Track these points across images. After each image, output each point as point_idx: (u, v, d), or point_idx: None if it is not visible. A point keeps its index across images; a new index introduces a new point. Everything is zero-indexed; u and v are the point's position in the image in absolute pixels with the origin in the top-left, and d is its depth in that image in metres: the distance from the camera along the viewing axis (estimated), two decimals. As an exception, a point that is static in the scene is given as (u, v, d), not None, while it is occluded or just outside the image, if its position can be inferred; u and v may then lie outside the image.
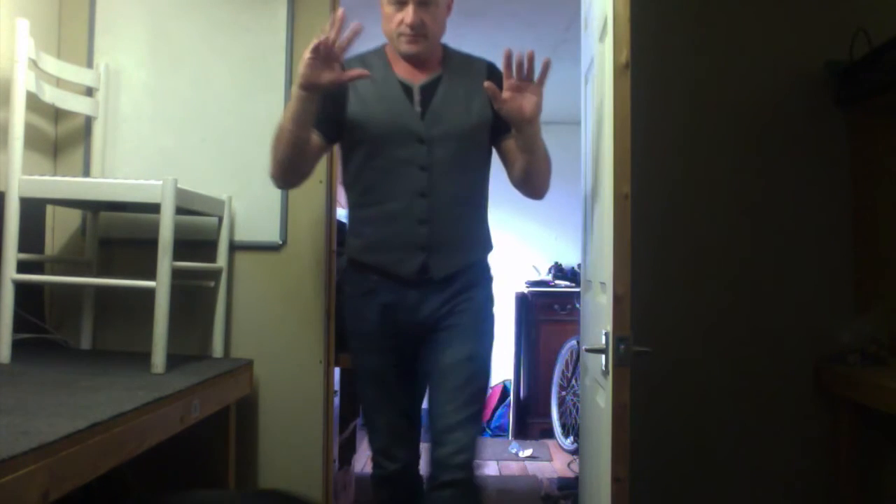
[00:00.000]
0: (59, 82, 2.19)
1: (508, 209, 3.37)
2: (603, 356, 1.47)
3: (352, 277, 1.71)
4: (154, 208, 1.80)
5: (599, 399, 1.64)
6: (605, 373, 1.46)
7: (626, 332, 1.37)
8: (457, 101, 1.62)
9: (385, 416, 1.70)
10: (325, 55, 1.41)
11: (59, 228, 2.30)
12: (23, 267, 1.87)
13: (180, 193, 1.81)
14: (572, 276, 4.60)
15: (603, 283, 1.58)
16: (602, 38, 1.64)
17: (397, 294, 1.62)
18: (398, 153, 1.58)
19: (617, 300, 1.38)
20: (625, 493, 1.35)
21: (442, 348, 1.62)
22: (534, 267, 4.88)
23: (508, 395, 4.58)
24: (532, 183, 1.67)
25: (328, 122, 1.59)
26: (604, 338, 1.45)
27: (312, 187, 2.22)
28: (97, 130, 2.25)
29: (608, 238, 1.44)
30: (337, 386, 2.54)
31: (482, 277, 1.71)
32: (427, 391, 1.70)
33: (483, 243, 1.72)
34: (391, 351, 1.67)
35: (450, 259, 1.62)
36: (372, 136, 1.59)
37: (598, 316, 1.65)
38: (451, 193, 1.61)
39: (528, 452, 4.05)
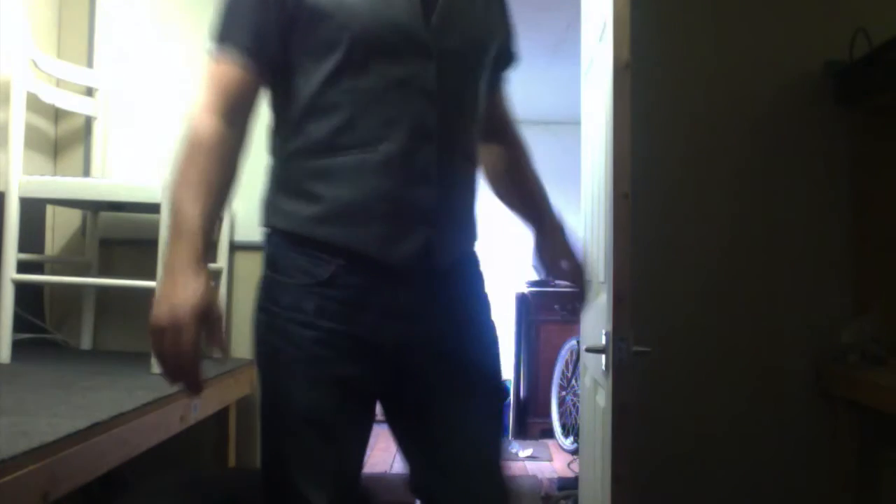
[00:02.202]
0: (59, 82, 2.19)
1: (508, 209, 3.37)
2: (603, 356, 1.47)
3: (287, 263, 1.05)
4: (154, 208, 1.80)
5: (599, 399, 1.64)
6: (606, 372, 1.46)
7: (626, 331, 1.37)
8: (472, 4, 1.11)
9: (323, 487, 1.02)
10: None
11: (59, 228, 2.30)
12: (23, 267, 1.87)
13: (180, 193, 1.81)
14: (572, 276, 4.60)
15: (603, 283, 1.58)
16: (601, 37, 1.64)
17: (376, 292, 1.02)
18: (392, 70, 1.01)
19: (617, 300, 1.38)
20: (625, 492, 1.35)
21: (457, 417, 1.08)
22: (534, 267, 4.87)
23: (508, 395, 4.58)
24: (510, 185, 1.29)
25: (273, 37, 1.03)
26: (604, 337, 1.45)
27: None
28: (97, 130, 2.25)
29: (608, 238, 1.44)
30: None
31: (481, 273, 1.18)
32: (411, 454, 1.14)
33: (477, 224, 1.17)
34: (347, 383, 1.03)
35: (457, 240, 1.10)
36: (350, 38, 0.99)
37: (599, 316, 1.65)
38: (465, 141, 1.10)
39: (528, 452, 4.04)
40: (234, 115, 1.05)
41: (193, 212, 0.94)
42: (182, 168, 0.99)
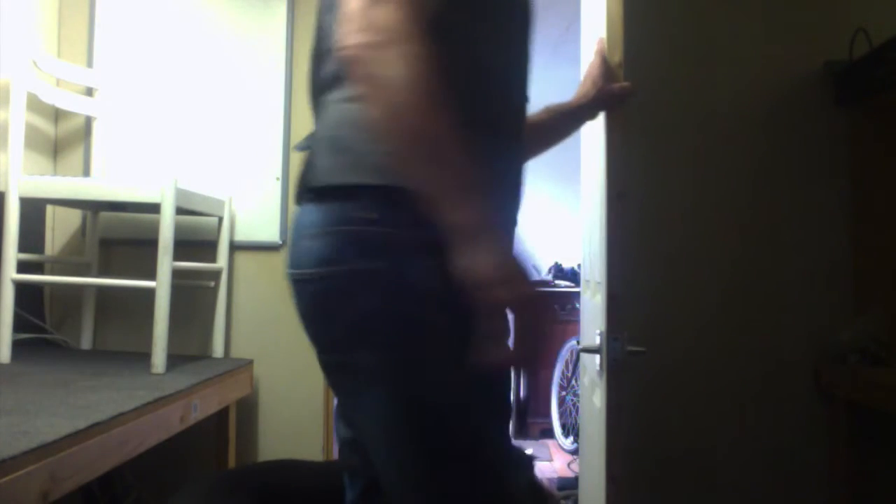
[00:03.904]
0: (59, 82, 2.20)
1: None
2: (598, 356, 1.47)
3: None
4: (154, 208, 1.80)
5: (596, 399, 1.64)
6: (600, 372, 1.46)
7: (620, 331, 1.37)
8: None
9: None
10: None
11: (59, 228, 2.30)
12: (23, 267, 1.87)
13: (180, 193, 1.81)
14: (572, 276, 4.60)
15: (599, 283, 1.59)
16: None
17: None
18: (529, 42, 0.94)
19: (611, 299, 1.38)
20: (621, 493, 1.35)
21: None
22: (534, 267, 4.88)
23: (509, 395, 4.59)
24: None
25: None
26: (598, 337, 1.46)
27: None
28: (97, 130, 2.25)
29: (603, 237, 1.44)
30: (337, 386, 2.54)
31: None
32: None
33: None
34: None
35: None
36: None
37: (595, 316, 1.65)
38: None
39: (528, 452, 4.05)
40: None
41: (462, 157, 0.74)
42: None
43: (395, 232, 0.80)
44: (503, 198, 0.88)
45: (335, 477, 1.54)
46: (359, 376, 0.82)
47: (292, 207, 2.45)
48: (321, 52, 0.91)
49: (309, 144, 0.92)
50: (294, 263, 0.88)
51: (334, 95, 0.87)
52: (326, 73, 0.89)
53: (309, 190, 0.87)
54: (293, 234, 0.89)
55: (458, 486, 0.79)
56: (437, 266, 0.75)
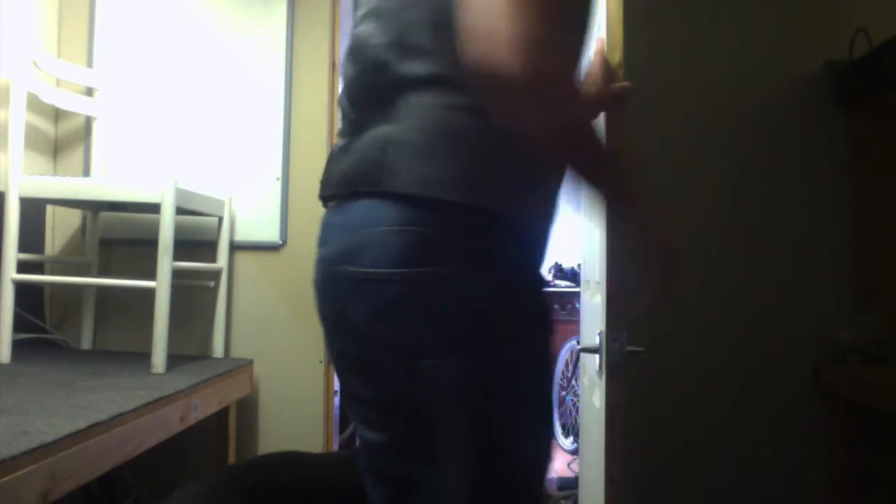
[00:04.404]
0: (59, 82, 2.20)
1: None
2: (597, 356, 1.47)
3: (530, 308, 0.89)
4: (154, 208, 1.80)
5: (595, 399, 1.64)
6: (599, 372, 1.46)
7: (620, 331, 1.37)
8: None
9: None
10: None
11: (59, 228, 2.30)
12: (23, 267, 1.87)
13: (180, 193, 1.81)
14: (572, 276, 4.60)
15: (598, 283, 1.59)
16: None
17: None
18: None
19: (610, 299, 1.38)
20: (620, 493, 1.35)
21: None
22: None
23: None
24: None
25: None
26: (598, 337, 1.46)
27: (312, 187, 2.22)
28: (97, 130, 2.25)
29: (602, 237, 1.44)
30: (337, 386, 2.54)
31: None
32: None
33: None
34: None
35: None
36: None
37: (595, 316, 1.65)
38: None
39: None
40: None
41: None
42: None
43: (479, 246, 0.82)
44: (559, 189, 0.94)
45: (337, 469, 1.54)
46: (429, 383, 0.81)
47: (293, 207, 2.46)
48: (402, 46, 0.86)
49: (368, 141, 0.87)
50: (362, 262, 0.83)
51: (427, 98, 0.84)
52: (414, 70, 0.85)
53: (381, 193, 0.83)
54: (349, 231, 0.85)
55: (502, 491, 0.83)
56: (511, 282, 0.82)
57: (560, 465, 3.81)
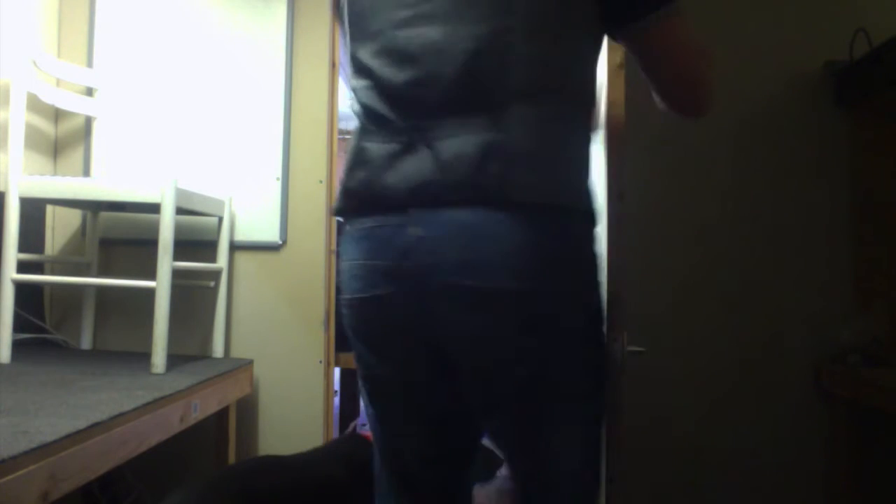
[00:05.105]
0: (59, 82, 2.20)
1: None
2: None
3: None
4: (154, 208, 1.80)
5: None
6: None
7: (620, 331, 1.37)
8: None
9: None
10: None
11: (59, 228, 2.30)
12: (23, 267, 1.87)
13: (180, 193, 1.81)
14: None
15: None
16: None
17: None
18: None
19: (611, 299, 1.38)
20: (619, 493, 1.35)
21: None
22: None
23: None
24: None
25: None
26: (600, 337, 1.45)
27: (312, 187, 2.23)
28: (97, 130, 2.25)
29: (603, 237, 1.44)
30: (337, 386, 2.54)
31: None
32: None
33: None
34: None
35: None
36: None
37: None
38: None
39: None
40: None
41: None
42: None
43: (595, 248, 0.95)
44: None
45: (313, 468, 1.54)
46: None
47: (293, 207, 2.45)
48: (499, 54, 0.86)
49: (480, 150, 0.85)
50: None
51: (531, 110, 0.87)
52: (525, 79, 0.86)
53: (508, 202, 0.84)
54: (493, 248, 0.84)
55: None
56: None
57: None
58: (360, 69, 0.96)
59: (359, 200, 0.93)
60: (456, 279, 0.84)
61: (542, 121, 0.88)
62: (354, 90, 0.99)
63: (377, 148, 0.91)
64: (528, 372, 0.87)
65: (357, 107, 0.98)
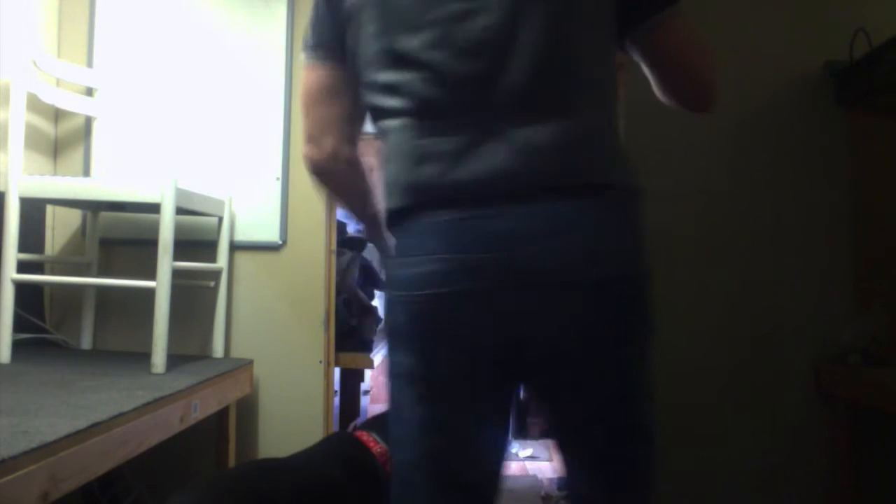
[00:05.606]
0: (59, 82, 2.20)
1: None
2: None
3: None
4: (154, 208, 1.80)
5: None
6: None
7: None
8: None
9: None
10: None
11: (59, 228, 2.30)
12: (23, 267, 1.87)
13: (180, 193, 1.81)
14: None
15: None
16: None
17: None
18: None
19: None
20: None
21: None
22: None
23: (508, 395, 4.57)
24: None
25: None
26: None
27: (312, 187, 2.22)
28: (97, 130, 2.25)
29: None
30: (337, 386, 2.54)
31: None
32: None
33: None
34: None
35: None
36: None
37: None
38: None
39: (528, 452, 4.04)
40: None
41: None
42: None
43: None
44: None
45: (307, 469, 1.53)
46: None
47: (292, 207, 2.45)
48: (568, 50, 0.89)
49: (563, 138, 0.87)
50: (624, 263, 0.94)
51: (595, 98, 0.93)
52: (589, 69, 0.91)
53: (595, 187, 0.90)
54: (596, 234, 0.90)
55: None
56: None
57: (560, 465, 3.81)
58: (402, 61, 0.92)
59: (431, 195, 0.89)
60: (556, 269, 0.84)
61: (603, 108, 0.94)
62: (393, 84, 0.93)
63: (443, 141, 0.89)
64: (630, 355, 0.90)
65: (396, 101, 0.93)
